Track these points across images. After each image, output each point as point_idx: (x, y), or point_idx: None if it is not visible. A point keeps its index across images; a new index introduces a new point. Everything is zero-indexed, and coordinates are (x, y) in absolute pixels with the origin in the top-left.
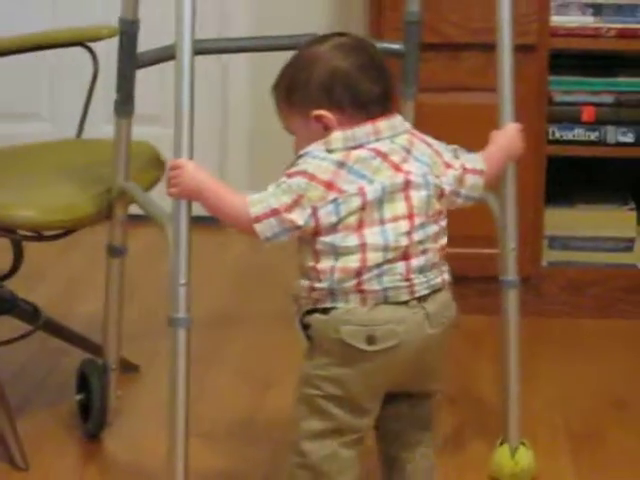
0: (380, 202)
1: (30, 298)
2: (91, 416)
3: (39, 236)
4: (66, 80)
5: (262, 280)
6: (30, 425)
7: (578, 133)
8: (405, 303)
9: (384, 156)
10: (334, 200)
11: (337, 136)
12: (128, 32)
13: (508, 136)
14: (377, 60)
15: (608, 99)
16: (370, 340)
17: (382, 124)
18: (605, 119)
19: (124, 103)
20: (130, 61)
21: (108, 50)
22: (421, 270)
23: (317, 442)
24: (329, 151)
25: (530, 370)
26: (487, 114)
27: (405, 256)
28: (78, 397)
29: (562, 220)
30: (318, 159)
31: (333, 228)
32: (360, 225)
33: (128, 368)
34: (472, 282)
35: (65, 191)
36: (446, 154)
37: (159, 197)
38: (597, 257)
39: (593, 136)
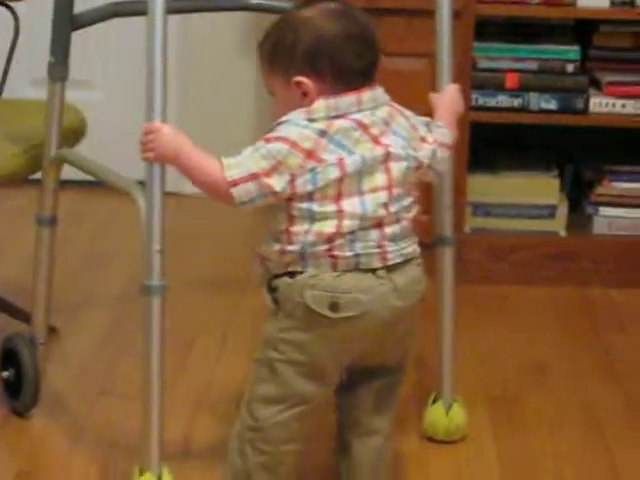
0: (359, 173)
1: None
2: (22, 394)
3: None
4: None
5: (184, 243)
6: None
7: (501, 100)
8: (373, 272)
9: (365, 128)
10: (312, 169)
11: (320, 105)
12: None
13: (451, 97)
14: (366, 30)
15: (532, 66)
16: (333, 307)
17: (365, 95)
18: (529, 86)
19: (59, 66)
20: (67, 22)
21: (30, 11)
22: (394, 238)
23: (271, 408)
24: (311, 120)
25: None
26: (408, 79)
27: (379, 224)
28: (5, 374)
29: (485, 187)
30: (300, 127)
31: (309, 196)
32: (339, 196)
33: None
34: None
35: None
36: (421, 128)
37: None
38: (520, 224)
39: (516, 103)
